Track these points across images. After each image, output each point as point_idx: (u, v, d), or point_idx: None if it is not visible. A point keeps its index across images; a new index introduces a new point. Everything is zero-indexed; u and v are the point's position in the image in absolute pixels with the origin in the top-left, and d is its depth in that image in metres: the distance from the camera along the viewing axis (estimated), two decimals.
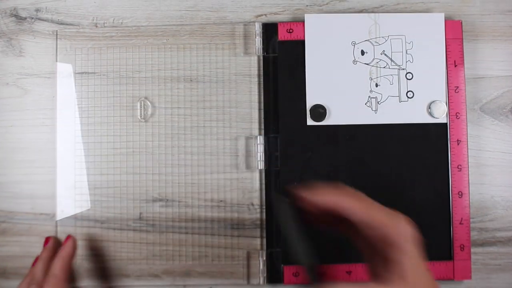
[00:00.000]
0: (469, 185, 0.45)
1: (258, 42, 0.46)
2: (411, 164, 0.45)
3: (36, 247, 0.46)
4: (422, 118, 0.46)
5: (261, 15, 0.47)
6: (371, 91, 0.46)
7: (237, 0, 0.47)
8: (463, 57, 0.46)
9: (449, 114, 0.46)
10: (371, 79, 0.46)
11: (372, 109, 0.46)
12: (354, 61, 0.46)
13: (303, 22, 0.46)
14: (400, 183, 0.45)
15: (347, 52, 0.46)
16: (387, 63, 0.46)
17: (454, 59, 0.46)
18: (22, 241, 0.46)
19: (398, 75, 0.46)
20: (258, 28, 0.46)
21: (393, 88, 0.46)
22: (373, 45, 0.46)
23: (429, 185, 0.45)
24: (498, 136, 0.47)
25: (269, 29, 0.46)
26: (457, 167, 0.45)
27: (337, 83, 0.46)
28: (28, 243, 0.46)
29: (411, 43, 0.46)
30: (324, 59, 0.46)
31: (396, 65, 0.46)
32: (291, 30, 0.46)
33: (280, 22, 0.46)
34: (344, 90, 0.46)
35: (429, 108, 0.46)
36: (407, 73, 0.46)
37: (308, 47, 0.46)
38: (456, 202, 0.45)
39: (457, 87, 0.46)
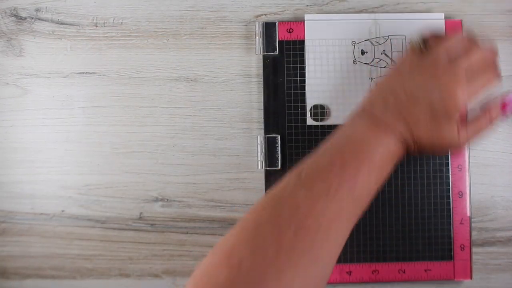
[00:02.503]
0: (469, 185, 0.45)
1: (258, 42, 0.46)
2: (411, 164, 0.45)
3: (36, 247, 0.46)
4: None
5: (261, 15, 0.47)
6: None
7: (237, 0, 0.47)
8: None
9: None
10: (371, 79, 0.46)
11: None
12: (354, 61, 0.46)
13: (303, 22, 0.46)
14: (399, 183, 0.45)
15: (347, 52, 0.46)
16: (387, 63, 0.46)
17: None
18: (22, 241, 0.46)
19: None
20: (258, 28, 0.46)
21: None
22: (373, 45, 0.46)
23: (429, 185, 0.45)
24: (498, 136, 0.47)
25: (269, 29, 0.46)
26: (457, 167, 0.45)
27: (337, 83, 0.46)
28: (28, 243, 0.46)
29: None
30: (324, 59, 0.46)
31: None
32: (291, 30, 0.46)
33: (280, 22, 0.46)
34: (344, 90, 0.46)
35: None
36: None
37: (308, 47, 0.46)
38: (456, 202, 0.45)
39: None
